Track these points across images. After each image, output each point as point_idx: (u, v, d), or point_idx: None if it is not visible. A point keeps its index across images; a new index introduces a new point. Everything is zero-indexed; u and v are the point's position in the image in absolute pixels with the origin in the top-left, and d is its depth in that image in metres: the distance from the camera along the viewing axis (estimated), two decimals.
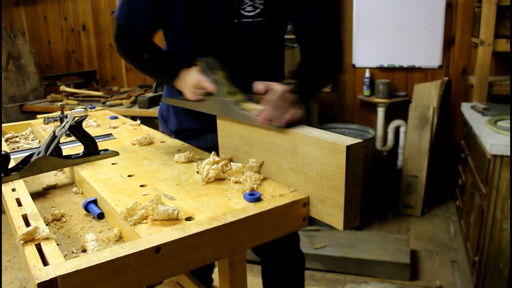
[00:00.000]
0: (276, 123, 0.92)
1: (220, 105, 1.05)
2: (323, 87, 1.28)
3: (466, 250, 2.33)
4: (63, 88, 3.47)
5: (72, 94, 3.40)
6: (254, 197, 0.85)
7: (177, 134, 1.36)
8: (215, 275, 1.66)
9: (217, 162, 1.01)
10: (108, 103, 3.04)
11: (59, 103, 1.52)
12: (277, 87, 0.95)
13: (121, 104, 3.02)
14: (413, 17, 2.96)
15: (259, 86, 0.97)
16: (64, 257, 0.68)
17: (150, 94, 2.98)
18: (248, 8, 1.14)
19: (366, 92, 3.14)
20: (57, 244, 0.72)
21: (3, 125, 1.57)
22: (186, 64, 1.16)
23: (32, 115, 3.17)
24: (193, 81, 1.09)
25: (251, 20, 1.15)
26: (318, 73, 1.21)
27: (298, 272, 1.56)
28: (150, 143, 1.29)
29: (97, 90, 3.46)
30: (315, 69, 1.20)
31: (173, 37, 1.26)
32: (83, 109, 1.71)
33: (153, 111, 2.81)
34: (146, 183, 0.97)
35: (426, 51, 2.98)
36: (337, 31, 1.24)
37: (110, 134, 1.40)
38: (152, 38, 1.26)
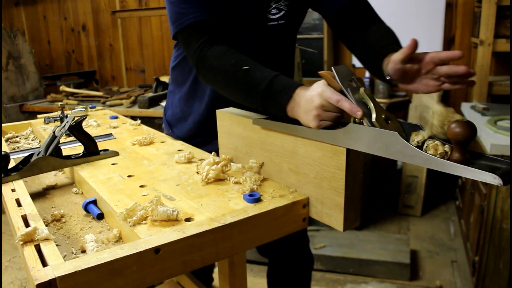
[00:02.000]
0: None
1: (376, 139, 0.73)
2: None
3: (466, 250, 2.33)
4: (63, 88, 3.47)
5: (72, 94, 3.40)
6: (254, 197, 0.85)
7: (185, 140, 1.32)
8: (216, 275, 1.66)
9: (217, 163, 1.01)
10: (108, 103, 3.04)
11: (59, 103, 1.52)
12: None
13: (121, 104, 3.02)
14: (413, 17, 2.96)
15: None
16: (64, 257, 0.68)
17: (150, 94, 2.98)
18: (273, 11, 1.12)
19: None
20: (57, 245, 0.72)
21: (3, 125, 1.57)
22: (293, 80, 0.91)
23: (32, 115, 3.17)
24: (319, 100, 0.79)
25: (276, 22, 1.13)
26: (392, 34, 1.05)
27: (306, 273, 1.55)
28: (150, 143, 1.29)
29: (97, 90, 3.46)
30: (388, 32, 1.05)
31: None
32: (84, 109, 1.71)
33: (153, 111, 2.81)
34: (146, 183, 0.97)
35: (426, 51, 2.97)
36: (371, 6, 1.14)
37: (110, 134, 1.40)
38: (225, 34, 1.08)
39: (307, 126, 0.83)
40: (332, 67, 0.78)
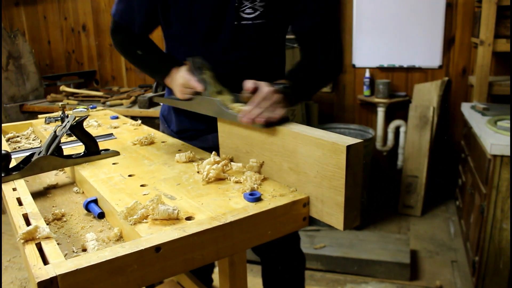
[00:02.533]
0: (257, 121, 0.95)
1: (207, 105, 1.08)
2: (320, 88, 1.30)
3: (466, 250, 2.33)
4: (63, 88, 3.47)
5: (72, 94, 3.40)
6: (254, 197, 0.85)
7: (178, 134, 1.36)
8: (215, 275, 1.66)
9: (217, 162, 1.01)
10: (108, 103, 3.04)
11: (60, 103, 1.52)
12: (263, 87, 0.98)
13: (121, 104, 3.02)
14: (413, 17, 2.96)
15: (248, 84, 0.98)
16: (65, 256, 0.68)
17: (150, 94, 2.98)
18: (248, 10, 1.13)
19: (366, 92, 3.14)
20: (58, 244, 0.72)
21: (4, 125, 1.57)
22: (178, 63, 1.19)
23: (32, 115, 3.17)
24: (181, 80, 1.12)
25: (250, 22, 1.15)
26: (316, 74, 1.21)
27: (299, 272, 1.56)
28: (151, 143, 1.29)
29: (97, 90, 3.46)
30: (312, 70, 1.21)
31: (173, 39, 1.26)
32: (85, 109, 1.71)
33: (153, 111, 2.81)
34: (146, 182, 0.97)
35: (426, 51, 2.98)
36: (337, 34, 1.24)
37: (111, 134, 1.41)
38: (147, 35, 1.30)
39: (176, 97, 1.17)
40: (189, 58, 1.10)
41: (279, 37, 1.27)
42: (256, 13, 1.14)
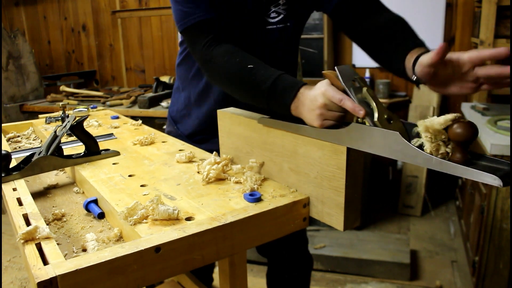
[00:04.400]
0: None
1: (375, 139, 0.73)
2: None
3: (466, 250, 2.33)
4: (63, 88, 3.47)
5: (72, 94, 3.40)
6: (254, 197, 0.85)
7: (189, 138, 1.33)
8: (216, 275, 1.66)
9: (217, 162, 1.01)
10: (108, 103, 3.04)
11: (60, 103, 1.52)
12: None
13: (121, 104, 3.02)
14: (413, 17, 2.96)
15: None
16: (64, 256, 0.68)
17: (150, 94, 2.98)
18: (273, 15, 1.11)
19: None
20: (58, 244, 0.72)
21: (5, 125, 1.57)
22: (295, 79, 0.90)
23: (32, 115, 3.17)
24: (322, 99, 0.79)
25: (275, 26, 1.13)
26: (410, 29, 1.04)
27: (305, 275, 1.55)
28: (151, 143, 1.29)
29: (97, 90, 3.47)
30: (406, 27, 1.04)
31: None
32: (85, 109, 1.72)
33: (153, 111, 2.81)
34: (146, 183, 0.97)
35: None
36: None
37: (111, 134, 1.41)
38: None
39: (310, 125, 0.83)
40: (336, 67, 0.78)
41: (297, 39, 1.24)
42: (280, 17, 1.12)
